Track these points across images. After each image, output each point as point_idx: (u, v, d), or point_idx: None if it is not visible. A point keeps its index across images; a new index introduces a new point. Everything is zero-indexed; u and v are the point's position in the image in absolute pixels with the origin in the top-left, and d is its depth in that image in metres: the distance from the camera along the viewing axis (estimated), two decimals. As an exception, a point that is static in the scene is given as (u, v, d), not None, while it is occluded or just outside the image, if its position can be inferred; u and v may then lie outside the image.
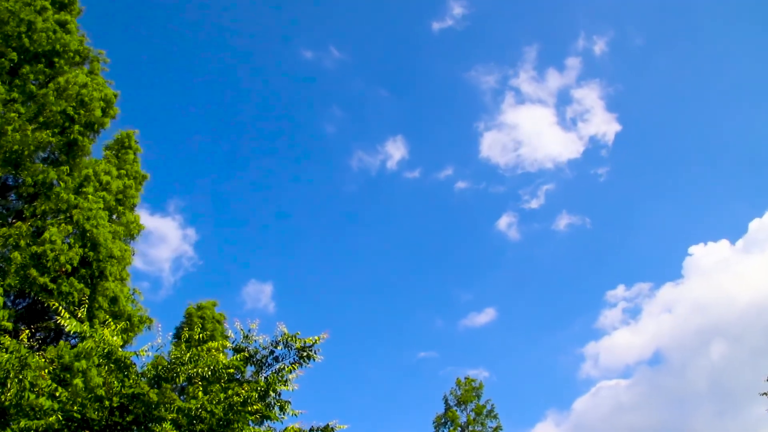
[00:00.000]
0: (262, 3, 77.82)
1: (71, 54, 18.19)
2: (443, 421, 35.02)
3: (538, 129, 70.49)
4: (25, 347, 10.01)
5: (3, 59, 16.40)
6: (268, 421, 11.36)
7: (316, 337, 11.23)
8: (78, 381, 12.81)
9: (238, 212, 76.74)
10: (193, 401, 10.57)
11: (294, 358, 11.31)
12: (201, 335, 11.61)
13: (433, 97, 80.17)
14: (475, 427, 34.31)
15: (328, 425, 11.38)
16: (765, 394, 18.85)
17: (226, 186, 77.29)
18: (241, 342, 11.47)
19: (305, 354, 11.28)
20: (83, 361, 13.36)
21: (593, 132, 70.58)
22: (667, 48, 76.92)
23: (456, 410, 35.27)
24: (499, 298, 69.05)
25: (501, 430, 34.36)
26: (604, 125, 71.25)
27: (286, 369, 11.20)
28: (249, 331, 11.46)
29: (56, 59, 17.95)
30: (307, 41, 76.20)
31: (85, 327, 10.42)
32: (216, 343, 11.36)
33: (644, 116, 77.23)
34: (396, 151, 75.36)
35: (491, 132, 75.18)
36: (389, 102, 78.69)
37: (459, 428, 34.49)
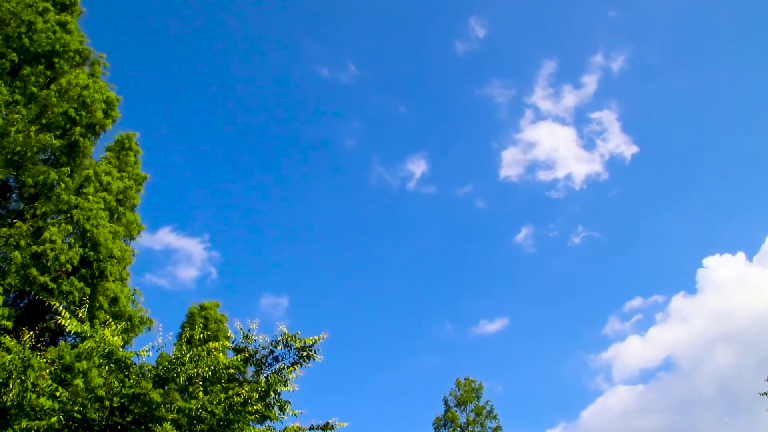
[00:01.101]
0: (278, 13, 77.58)
1: (71, 54, 18.20)
2: (443, 422, 35.01)
3: (556, 146, 71.09)
4: (28, 348, 10.04)
5: (4, 60, 16.41)
6: (268, 421, 11.40)
7: (316, 337, 11.28)
8: (79, 381, 12.83)
9: (254, 225, 76.77)
10: (193, 401, 10.60)
11: (294, 358, 11.35)
12: (202, 335, 11.65)
13: (452, 113, 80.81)
14: (475, 428, 34.30)
15: (327, 423, 11.41)
16: (765, 394, 18.90)
17: (241, 198, 77.30)
18: (241, 342, 11.51)
19: (305, 354, 11.32)
20: (84, 362, 13.37)
21: (610, 149, 71.17)
22: (684, 64, 77.24)
23: (456, 411, 35.25)
24: (512, 309, 69.29)
25: (501, 430, 34.38)
26: (621, 144, 72.14)
27: (287, 369, 11.24)
28: (249, 330, 11.50)
29: (56, 60, 17.97)
30: (324, 55, 76.20)
31: (86, 327, 10.45)
32: (217, 343, 11.39)
33: (661, 135, 77.77)
34: (415, 166, 76.25)
35: (510, 149, 75.80)
36: (408, 118, 79.12)
37: (459, 429, 34.47)
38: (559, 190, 72.79)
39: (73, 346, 14.59)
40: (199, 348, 10.80)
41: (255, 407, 10.71)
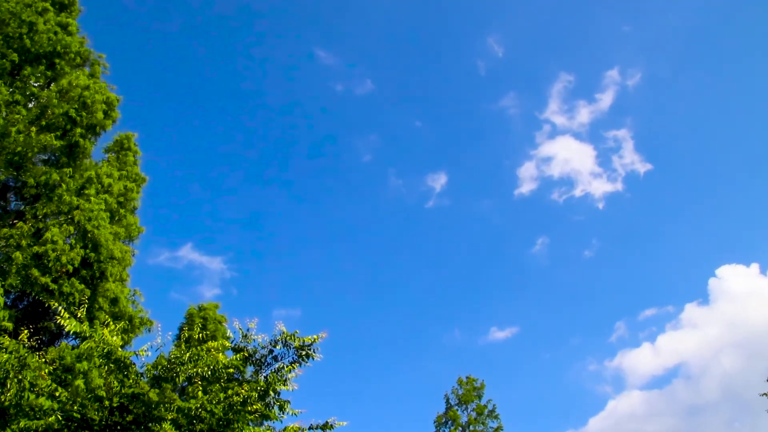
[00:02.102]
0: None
1: (72, 55, 18.22)
2: (444, 420, 34.91)
3: (572, 161, 71.71)
4: (24, 347, 10.04)
5: (4, 60, 16.43)
6: (268, 421, 11.37)
7: (315, 336, 11.24)
8: (79, 382, 12.82)
9: (268, 237, 76.92)
10: (192, 401, 10.57)
11: (293, 358, 11.32)
12: (201, 335, 11.63)
13: (468, 128, 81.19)
14: (476, 427, 34.19)
15: (327, 422, 11.38)
16: (765, 394, 18.81)
17: (254, 211, 77.49)
18: (240, 341, 11.48)
19: (304, 353, 11.29)
20: (84, 363, 13.37)
21: (625, 164, 71.77)
22: (696, 76, 77.40)
23: (457, 410, 35.15)
24: (523, 317, 69.47)
25: (502, 430, 34.26)
26: (636, 161, 73.10)
27: (286, 368, 11.21)
28: (248, 330, 11.47)
29: (57, 60, 17.99)
30: (338, 67, 76.35)
31: (85, 327, 10.44)
32: (216, 342, 11.38)
33: (675, 149, 78.11)
34: (431, 180, 76.74)
35: (526, 164, 76.37)
36: (425, 132, 79.53)
37: (460, 428, 34.37)
38: (573, 204, 73.48)
39: (74, 347, 14.59)
40: (198, 348, 10.78)
41: (254, 407, 10.69)
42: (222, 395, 10.68)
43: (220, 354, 11.10)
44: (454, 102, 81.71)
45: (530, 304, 72.04)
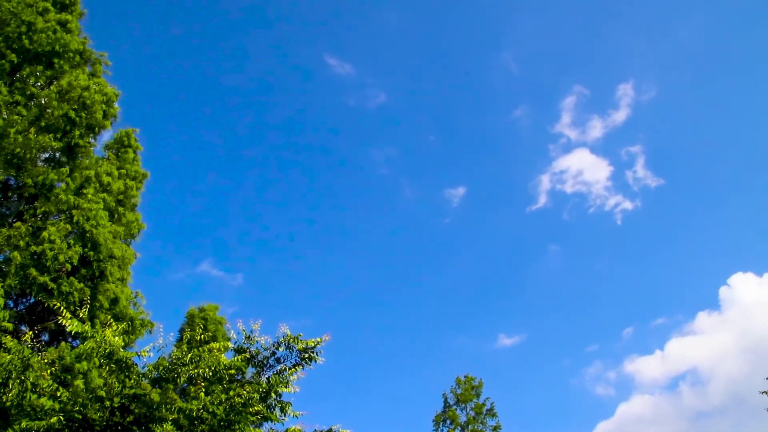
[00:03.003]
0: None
1: (72, 54, 18.16)
2: (443, 419, 34.99)
3: (586, 175, 72.49)
4: (28, 348, 10.04)
5: (3, 60, 16.39)
6: (269, 423, 11.39)
7: (318, 339, 11.28)
8: (78, 382, 12.81)
9: (282, 248, 76.98)
10: (194, 402, 10.60)
11: (296, 360, 11.35)
12: (203, 336, 11.64)
13: (483, 140, 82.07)
14: (475, 426, 34.26)
15: (331, 429, 11.42)
16: (764, 392, 18.93)
17: (267, 224, 77.52)
18: (243, 343, 11.50)
19: (307, 356, 11.32)
20: (84, 363, 13.36)
21: (637, 177, 72.45)
22: (709, 90, 78.42)
23: (455, 409, 35.21)
24: (532, 325, 70.00)
25: (500, 429, 34.36)
26: (649, 175, 74.61)
27: (288, 371, 11.23)
28: (251, 332, 11.49)
29: (56, 60, 17.94)
30: (352, 78, 76.44)
31: (87, 327, 10.45)
32: (218, 344, 11.39)
33: (688, 162, 79.31)
34: (445, 193, 77.55)
35: (539, 177, 77.47)
36: (439, 145, 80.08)
37: (458, 427, 34.43)
38: (586, 216, 74.23)
39: (74, 347, 14.57)
40: (200, 348, 10.80)
41: (256, 408, 10.71)
42: (223, 396, 10.70)
43: (222, 355, 11.11)
44: (467, 115, 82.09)
45: (539, 311, 72.70)
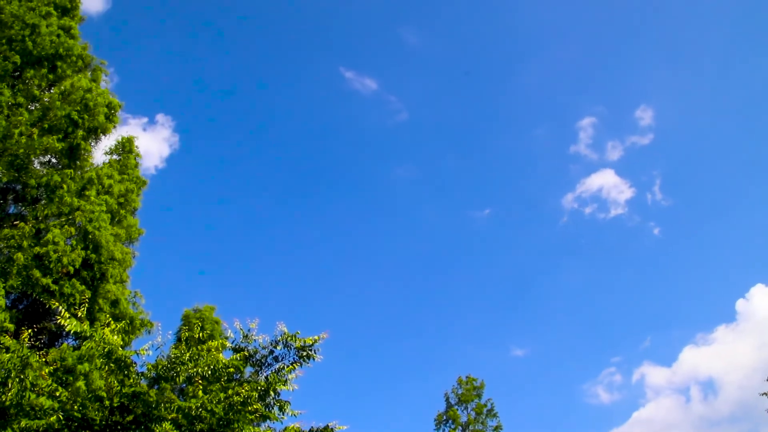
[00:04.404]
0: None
1: (74, 59, 18.29)
2: (444, 419, 34.98)
3: (605, 194, 73.29)
4: (26, 347, 10.10)
5: (7, 63, 16.52)
6: (268, 421, 11.42)
7: (316, 337, 11.28)
8: (80, 383, 12.88)
9: (298, 262, 77.17)
10: (193, 400, 10.63)
11: (294, 358, 11.37)
12: (200, 335, 11.69)
13: (503, 159, 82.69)
14: (476, 426, 34.24)
15: (327, 426, 11.42)
16: (765, 394, 18.84)
17: (285, 237, 77.77)
18: (241, 342, 11.53)
19: (305, 354, 11.34)
20: (86, 364, 13.42)
21: (656, 198, 73.18)
22: (725, 110, 78.59)
23: (457, 409, 35.18)
24: (545, 336, 70.22)
25: (501, 429, 34.33)
26: (667, 193, 75.09)
27: (286, 369, 11.26)
28: (249, 330, 11.52)
29: (59, 63, 18.07)
30: (374, 93, 76.84)
31: (86, 327, 10.50)
32: (215, 342, 11.43)
33: (705, 181, 79.28)
34: (468, 212, 77.55)
35: (562, 196, 78.03)
36: (460, 165, 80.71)
37: (460, 427, 34.40)
38: (606, 233, 74.87)
39: (75, 348, 14.65)
40: (198, 347, 10.84)
41: (254, 406, 10.74)
42: (222, 395, 10.73)
43: (220, 354, 11.16)
44: (489, 135, 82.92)
45: (554, 322, 72.77)
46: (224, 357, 11.23)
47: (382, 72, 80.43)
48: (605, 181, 71.97)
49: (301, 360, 11.40)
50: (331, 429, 11.37)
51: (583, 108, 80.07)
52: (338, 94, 77.73)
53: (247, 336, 11.48)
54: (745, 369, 57.79)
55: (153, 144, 60.94)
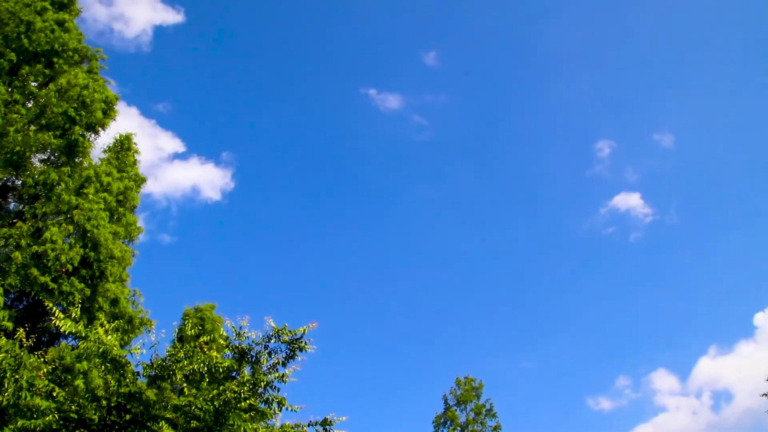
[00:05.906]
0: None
1: (70, 53, 18.18)
2: (443, 420, 34.87)
3: (623, 213, 74.34)
4: (20, 347, 10.05)
5: (2, 60, 16.44)
6: (265, 418, 11.39)
7: (304, 328, 11.18)
8: (79, 382, 12.84)
9: (315, 277, 77.33)
10: (182, 398, 10.62)
11: (286, 352, 11.33)
12: (193, 330, 11.65)
13: (522, 182, 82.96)
14: (475, 427, 34.15)
15: (326, 419, 11.37)
16: (765, 395, 18.81)
17: (300, 252, 77.89)
18: (234, 339, 11.48)
19: (296, 346, 11.30)
20: (84, 363, 13.38)
21: (672, 222, 74.19)
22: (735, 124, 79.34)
23: (455, 410, 35.05)
24: (555, 349, 70.83)
25: (500, 429, 34.29)
26: (684, 213, 75.92)
27: (281, 363, 11.22)
28: (240, 327, 11.47)
29: (55, 59, 17.97)
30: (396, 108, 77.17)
31: (80, 327, 10.45)
32: (207, 337, 11.39)
33: (724, 198, 79.40)
34: (486, 233, 77.86)
35: (577, 217, 78.85)
36: (479, 184, 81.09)
37: (458, 428, 34.29)
38: (625, 253, 75.17)
39: (74, 348, 14.61)
40: (193, 344, 10.81)
41: (249, 402, 10.69)
42: (216, 392, 10.68)
43: (213, 351, 11.13)
44: (508, 155, 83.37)
45: (565, 337, 73.22)
46: (220, 354, 11.20)
47: (404, 89, 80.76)
48: (625, 199, 73.03)
49: (293, 352, 11.36)
50: (330, 422, 11.30)
51: (602, 131, 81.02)
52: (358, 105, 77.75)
53: (239, 333, 11.41)
54: (761, 379, 58.22)
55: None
